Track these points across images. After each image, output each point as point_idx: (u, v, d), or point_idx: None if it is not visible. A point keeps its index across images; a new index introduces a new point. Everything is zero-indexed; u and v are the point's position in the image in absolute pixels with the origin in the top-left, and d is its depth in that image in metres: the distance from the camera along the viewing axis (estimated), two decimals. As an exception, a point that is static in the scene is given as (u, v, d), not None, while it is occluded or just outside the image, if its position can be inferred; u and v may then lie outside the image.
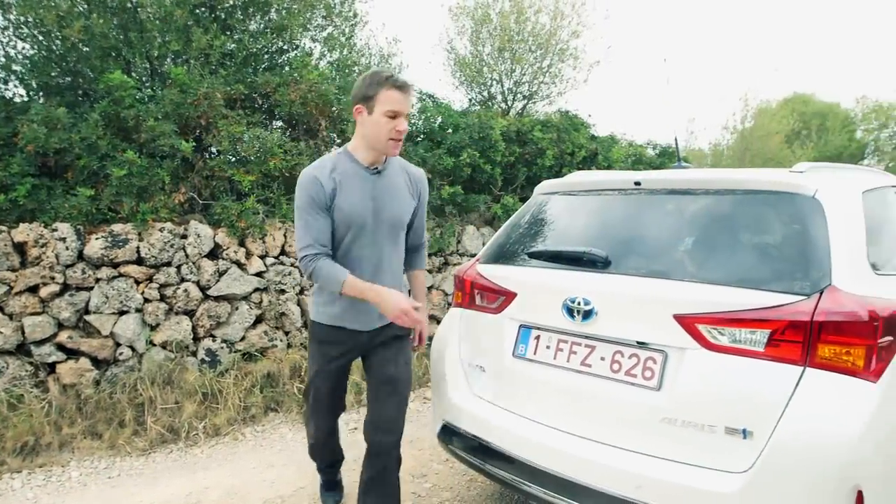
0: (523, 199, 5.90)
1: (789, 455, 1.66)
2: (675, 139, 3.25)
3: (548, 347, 2.27)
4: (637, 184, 2.38)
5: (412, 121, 5.75)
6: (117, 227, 3.94)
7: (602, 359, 2.10)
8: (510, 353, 2.39)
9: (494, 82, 9.26)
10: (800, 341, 1.73)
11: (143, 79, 5.13)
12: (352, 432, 3.96)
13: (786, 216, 1.98)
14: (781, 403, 1.70)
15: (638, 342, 2.02)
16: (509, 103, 9.26)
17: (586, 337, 2.15)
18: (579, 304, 2.14)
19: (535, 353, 2.31)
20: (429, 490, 3.15)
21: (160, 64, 5.06)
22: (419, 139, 5.95)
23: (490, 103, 9.17)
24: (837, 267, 1.80)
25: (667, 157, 8.30)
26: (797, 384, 1.71)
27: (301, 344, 4.70)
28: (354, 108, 2.21)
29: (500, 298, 2.48)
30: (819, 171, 2.19)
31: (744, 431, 1.73)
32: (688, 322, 1.90)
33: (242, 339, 4.46)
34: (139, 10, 4.74)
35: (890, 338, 1.74)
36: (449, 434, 2.58)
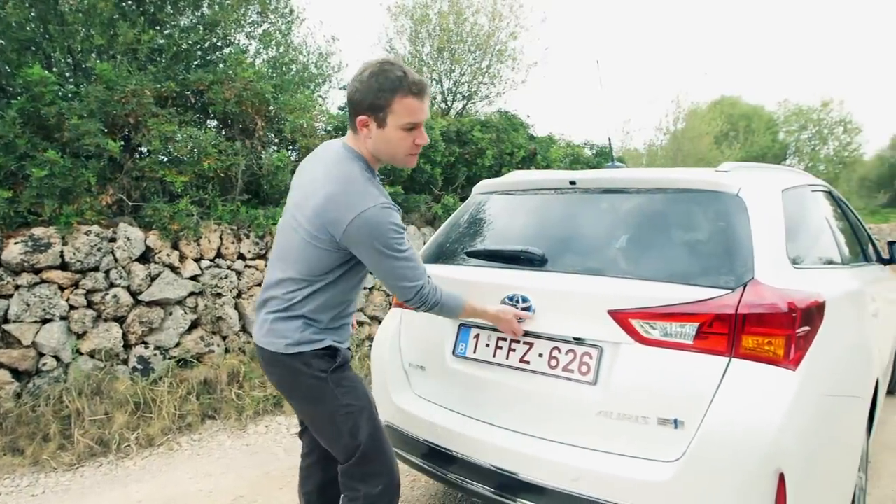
0: (463, 199, 5.93)
1: (716, 442, 1.73)
2: (609, 140, 3.34)
3: (487, 346, 2.29)
4: (572, 183, 2.43)
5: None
6: (38, 231, 3.73)
7: (540, 355, 2.13)
8: (450, 353, 2.40)
9: (434, 82, 9.29)
10: (726, 333, 1.80)
11: (66, 74, 4.89)
12: (293, 437, 3.89)
13: (712, 213, 2.06)
14: (709, 393, 1.77)
15: (574, 338, 2.06)
16: (449, 103, 9.31)
17: (525, 334, 2.19)
18: (518, 301, 2.17)
19: (474, 352, 2.33)
20: (372, 492, 3.12)
21: (84, 59, 4.83)
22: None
23: (430, 103, 9.19)
24: (759, 261, 1.89)
25: (603, 157, 8.52)
26: (724, 374, 1.78)
27: (240, 349, 4.58)
28: (357, 119, 1.77)
29: None
30: (742, 171, 2.29)
31: (675, 422, 1.79)
32: (621, 317, 1.95)
33: (177, 345, 4.30)
34: (59, 0, 4.51)
35: (807, 328, 1.84)
36: (390, 435, 2.56)
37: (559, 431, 2.03)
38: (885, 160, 30.23)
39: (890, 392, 4.59)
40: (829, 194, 3.27)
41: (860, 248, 3.44)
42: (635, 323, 1.92)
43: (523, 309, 2.15)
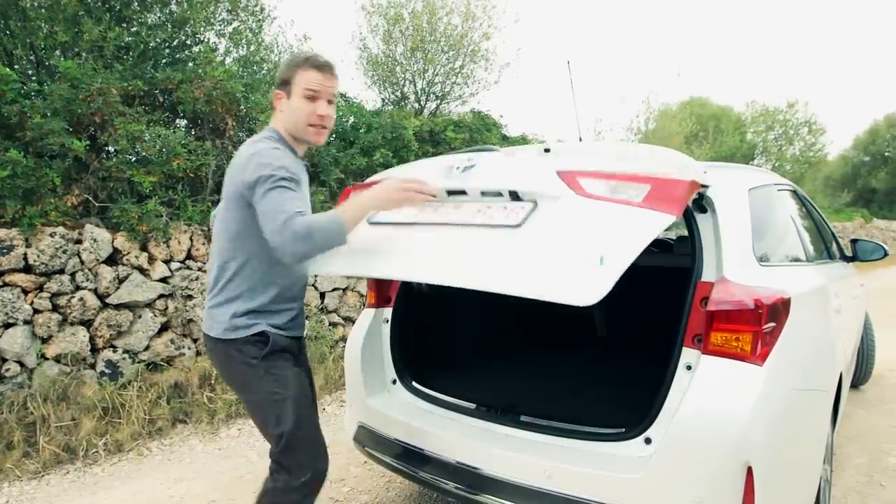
0: (438, 199, 5.93)
1: (686, 438, 1.75)
2: (580, 139, 3.37)
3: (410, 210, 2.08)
4: (546, 150, 2.39)
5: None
6: (0, 233, 3.63)
7: (466, 211, 1.97)
8: (365, 221, 2.08)
9: (407, 82, 9.27)
10: (679, 195, 1.68)
11: (29, 71, 4.77)
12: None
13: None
14: (643, 242, 1.59)
15: (511, 192, 1.90)
16: (422, 103, 9.30)
17: (457, 192, 2.02)
18: (462, 162, 2.06)
19: (391, 216, 2.07)
20: (346, 494, 3.11)
21: (47, 56, 4.71)
22: (331, 139, 5.86)
23: (403, 103, 9.17)
24: (727, 259, 1.92)
25: (576, 157, 8.59)
26: (668, 229, 1.69)
27: (211, 351, 4.51)
28: (275, 95, 1.99)
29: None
30: (710, 171, 2.32)
31: (601, 259, 1.58)
32: (570, 176, 1.83)
33: (146, 348, 4.22)
34: (21, -4, 4.40)
35: (773, 323, 1.87)
36: (364, 436, 2.56)
37: (478, 273, 1.74)
38: (848, 160, 31.05)
39: (853, 385, 4.72)
40: (795, 193, 3.34)
41: (824, 246, 3.52)
42: (582, 180, 1.80)
43: (467, 166, 2.03)
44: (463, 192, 2.01)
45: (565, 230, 1.70)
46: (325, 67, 1.94)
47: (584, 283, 1.52)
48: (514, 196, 1.89)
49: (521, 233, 1.76)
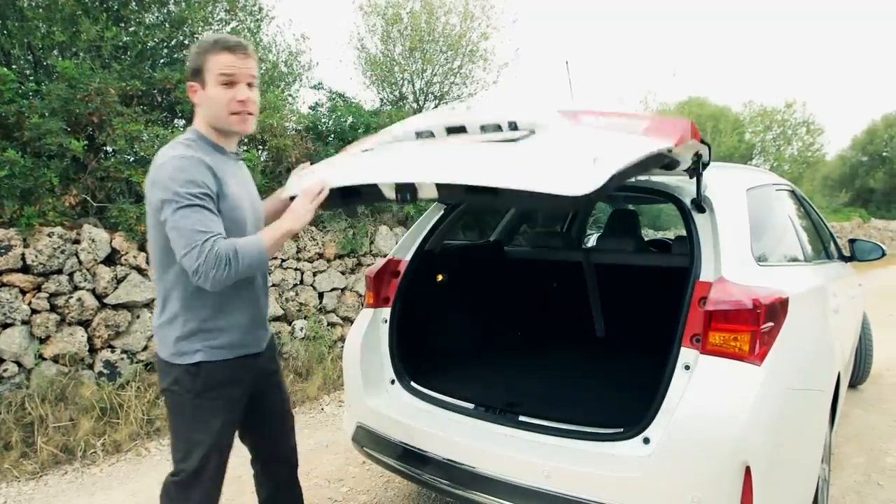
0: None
1: (684, 439, 1.76)
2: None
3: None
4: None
5: (322, 119, 5.64)
6: (-2, 233, 3.63)
7: (464, 140, 2.01)
8: (358, 150, 2.15)
9: (406, 82, 9.26)
10: (678, 130, 1.71)
11: (26, 71, 4.76)
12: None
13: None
14: (637, 154, 1.61)
15: (510, 122, 1.92)
16: (421, 104, 9.29)
17: (457, 130, 2.03)
18: (463, 107, 2.11)
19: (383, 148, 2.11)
20: (345, 494, 3.10)
21: (45, 56, 4.70)
22: (330, 139, 5.85)
23: (401, 103, 9.16)
24: (725, 259, 1.93)
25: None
26: (667, 153, 1.72)
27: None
28: (188, 88, 1.81)
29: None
30: (708, 170, 2.33)
31: (594, 160, 1.59)
32: (572, 113, 1.89)
33: (145, 348, 4.22)
34: (18, -4, 4.40)
35: (771, 323, 1.88)
36: (363, 436, 2.56)
37: (472, 172, 1.72)
38: (846, 160, 31.10)
39: (851, 385, 4.73)
40: (793, 193, 3.35)
41: (822, 246, 3.53)
42: (584, 116, 1.87)
43: (467, 108, 2.08)
44: (462, 130, 2.02)
45: (561, 143, 1.75)
46: (237, 48, 1.75)
47: (576, 177, 1.53)
48: (514, 128, 1.92)
49: (518, 145, 1.80)
